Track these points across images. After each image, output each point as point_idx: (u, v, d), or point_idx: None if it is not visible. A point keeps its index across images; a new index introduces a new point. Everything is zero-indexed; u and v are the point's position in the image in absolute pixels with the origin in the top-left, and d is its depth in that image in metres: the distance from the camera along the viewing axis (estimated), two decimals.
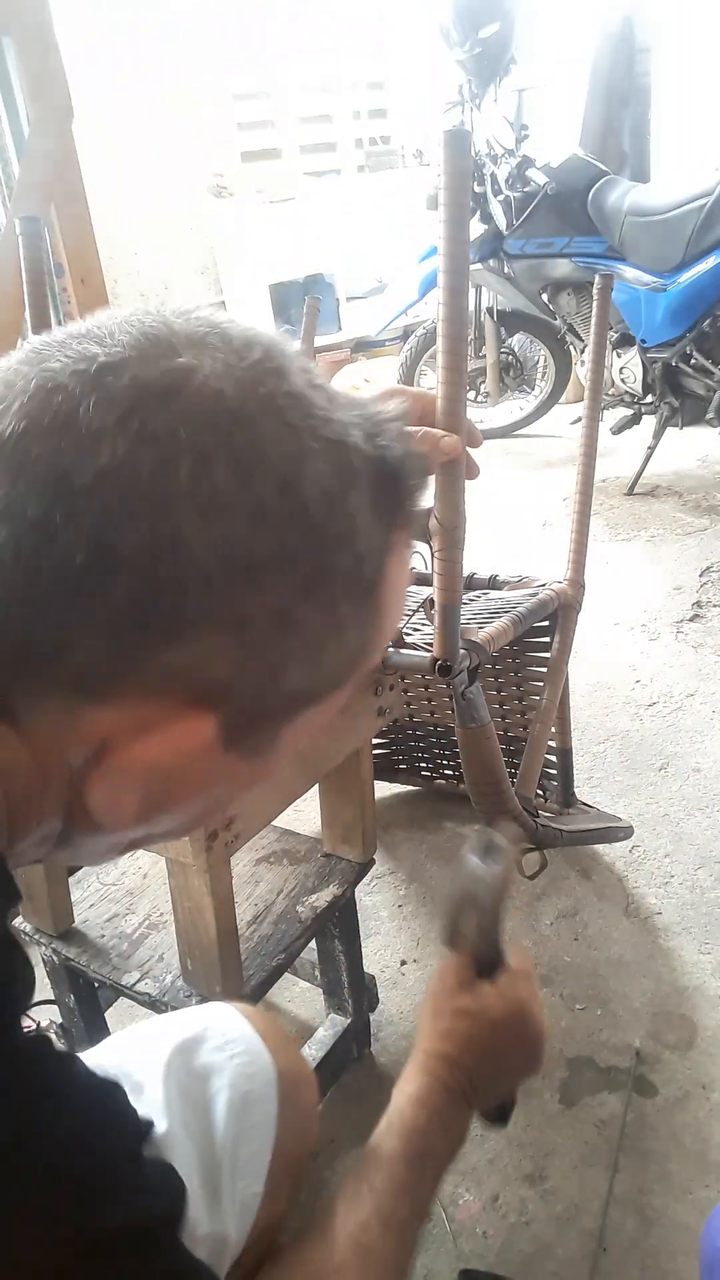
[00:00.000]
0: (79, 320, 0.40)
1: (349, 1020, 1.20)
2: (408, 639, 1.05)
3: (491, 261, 3.32)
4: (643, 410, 3.32)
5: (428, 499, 0.83)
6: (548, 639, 1.38)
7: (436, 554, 0.88)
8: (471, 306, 3.76)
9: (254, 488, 0.37)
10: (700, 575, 2.54)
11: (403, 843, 1.65)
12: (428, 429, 0.77)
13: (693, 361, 3.05)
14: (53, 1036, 1.24)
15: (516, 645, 1.45)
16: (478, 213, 3.17)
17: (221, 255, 5.11)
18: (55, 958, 1.07)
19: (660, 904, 1.44)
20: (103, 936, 1.06)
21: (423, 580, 1.39)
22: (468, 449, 0.82)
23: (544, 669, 1.40)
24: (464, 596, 1.18)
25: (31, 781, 0.39)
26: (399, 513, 0.43)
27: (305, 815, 1.58)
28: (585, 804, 1.58)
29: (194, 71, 4.82)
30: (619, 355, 3.22)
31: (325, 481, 0.38)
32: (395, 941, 1.43)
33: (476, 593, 1.40)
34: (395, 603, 0.45)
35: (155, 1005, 0.96)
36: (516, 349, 3.95)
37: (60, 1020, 1.17)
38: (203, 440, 0.36)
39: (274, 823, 1.20)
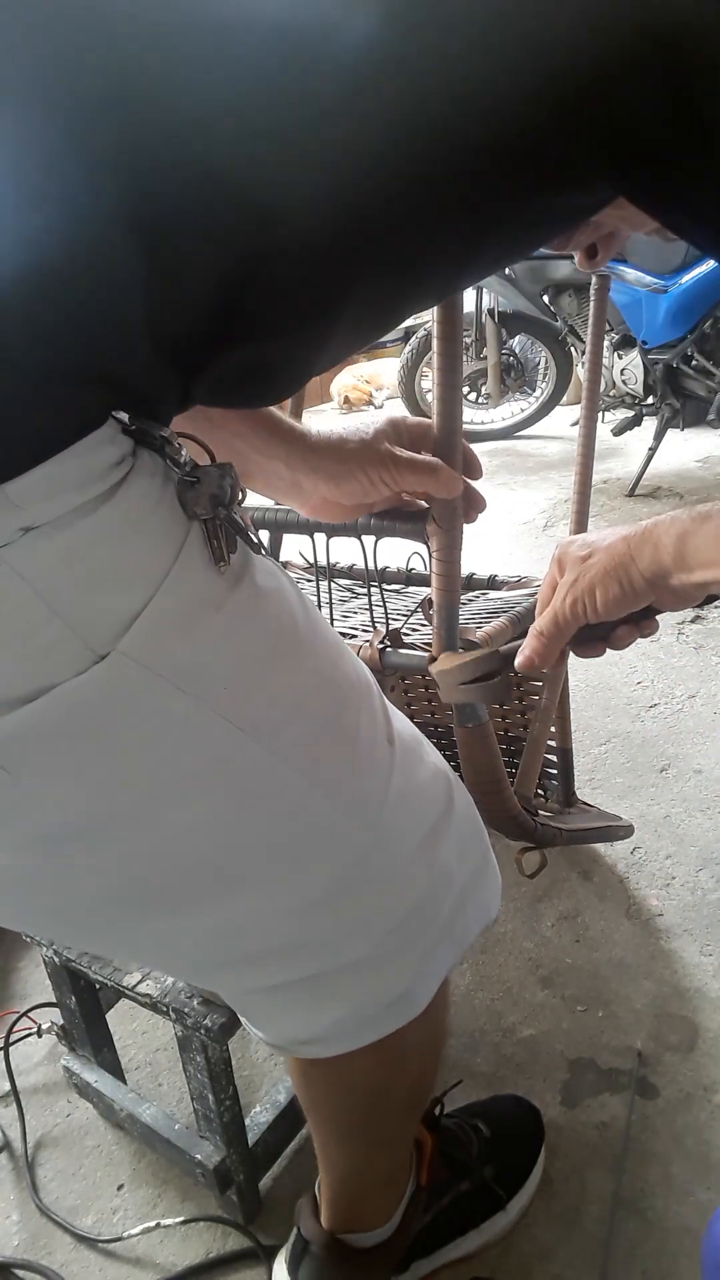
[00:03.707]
0: None
1: None
2: (407, 639, 1.05)
3: None
4: (644, 412, 3.33)
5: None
6: None
7: (435, 554, 0.88)
8: (473, 308, 3.77)
9: None
10: None
11: None
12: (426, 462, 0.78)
13: (694, 363, 3.05)
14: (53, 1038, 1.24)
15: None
16: None
17: None
18: (56, 958, 1.07)
19: (662, 905, 1.44)
20: None
21: (421, 580, 1.39)
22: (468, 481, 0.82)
23: (543, 669, 1.39)
24: (463, 596, 1.18)
25: None
26: None
27: None
28: (586, 803, 1.58)
29: None
30: (620, 357, 3.22)
31: None
32: None
33: (475, 593, 1.40)
34: None
35: (156, 1007, 0.96)
36: (517, 350, 3.96)
37: (61, 1022, 1.17)
38: None
39: None
